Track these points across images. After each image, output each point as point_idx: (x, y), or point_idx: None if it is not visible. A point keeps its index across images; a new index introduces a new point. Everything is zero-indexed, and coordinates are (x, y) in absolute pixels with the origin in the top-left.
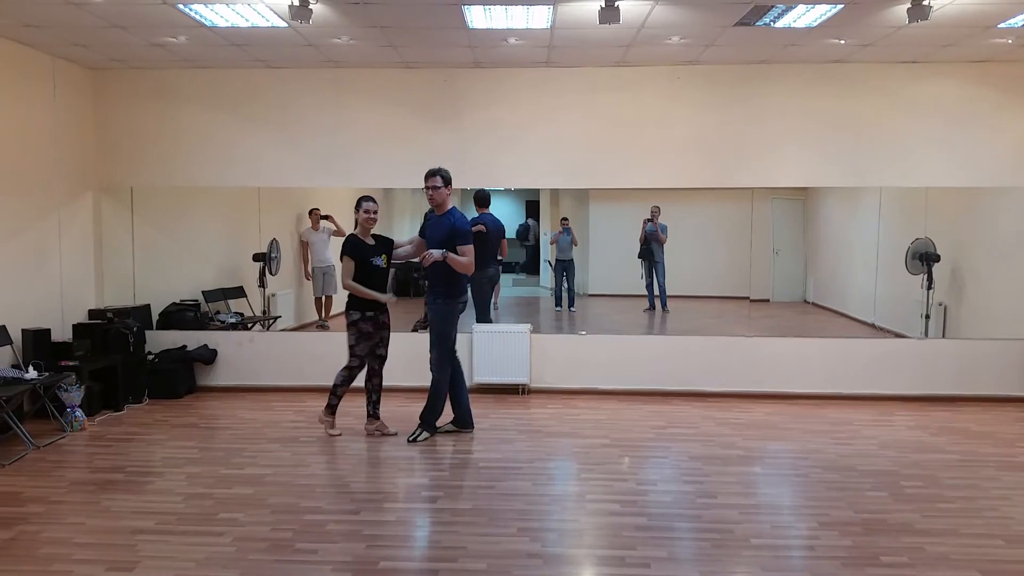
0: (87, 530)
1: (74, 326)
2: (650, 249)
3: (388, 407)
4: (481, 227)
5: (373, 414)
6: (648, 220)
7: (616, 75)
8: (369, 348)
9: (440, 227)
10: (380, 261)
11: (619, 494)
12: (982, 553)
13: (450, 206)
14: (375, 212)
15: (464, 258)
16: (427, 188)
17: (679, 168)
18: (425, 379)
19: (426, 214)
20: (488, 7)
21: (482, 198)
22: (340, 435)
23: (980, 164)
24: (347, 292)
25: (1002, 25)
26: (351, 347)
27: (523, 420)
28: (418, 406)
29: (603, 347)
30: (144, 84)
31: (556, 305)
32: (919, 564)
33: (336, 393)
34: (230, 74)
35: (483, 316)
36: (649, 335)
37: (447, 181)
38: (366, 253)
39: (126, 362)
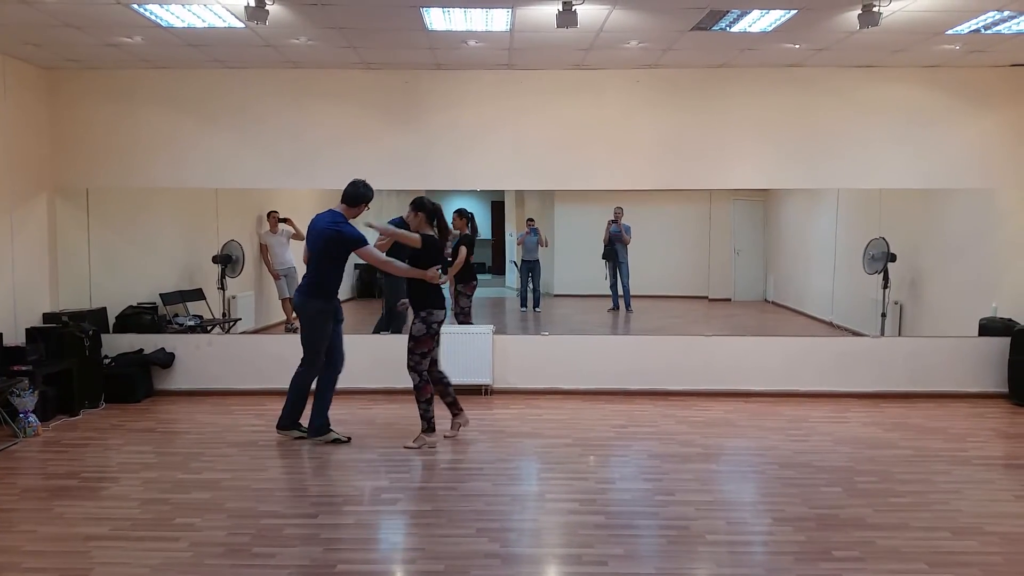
0: (38, 537)
1: (27, 330)
2: (614, 250)
3: (349, 410)
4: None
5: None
6: (612, 221)
7: (578, 78)
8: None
9: None
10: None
11: (578, 493)
12: (930, 546)
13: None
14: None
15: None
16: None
17: (641, 170)
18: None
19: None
20: (447, 9)
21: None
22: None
23: (932, 166)
24: None
25: (949, 32)
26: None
27: (485, 421)
28: (382, 408)
29: (565, 347)
30: (100, 84)
31: (521, 306)
32: (870, 558)
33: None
34: (188, 74)
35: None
36: (611, 335)
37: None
38: None
39: (82, 366)
